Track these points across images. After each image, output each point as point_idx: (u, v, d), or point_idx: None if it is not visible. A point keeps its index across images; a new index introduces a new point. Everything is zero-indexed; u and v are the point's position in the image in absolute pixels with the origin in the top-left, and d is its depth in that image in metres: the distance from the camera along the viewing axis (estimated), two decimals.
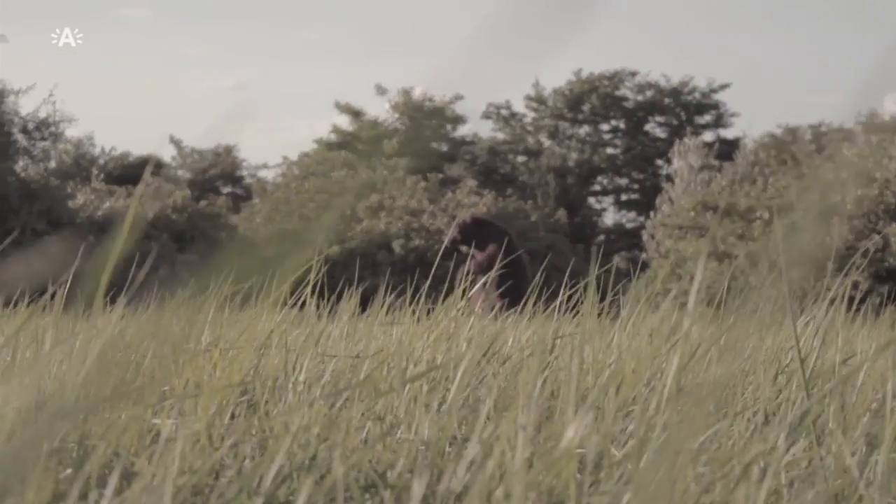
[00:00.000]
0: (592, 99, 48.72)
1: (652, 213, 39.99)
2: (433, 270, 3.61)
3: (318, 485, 1.50)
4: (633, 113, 49.46)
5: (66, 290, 2.59)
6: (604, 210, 49.56)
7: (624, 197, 49.61)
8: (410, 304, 3.35)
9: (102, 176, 40.21)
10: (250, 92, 67.69)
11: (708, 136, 48.97)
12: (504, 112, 49.20)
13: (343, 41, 66.81)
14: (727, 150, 45.02)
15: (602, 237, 47.44)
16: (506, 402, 1.97)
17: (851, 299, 3.33)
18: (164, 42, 69.23)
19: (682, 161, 41.72)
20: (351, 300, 3.48)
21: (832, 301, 2.64)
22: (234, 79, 72.01)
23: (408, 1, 65.54)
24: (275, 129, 70.51)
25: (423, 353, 2.76)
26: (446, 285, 3.56)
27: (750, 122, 73.42)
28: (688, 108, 49.58)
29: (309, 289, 2.77)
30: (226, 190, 48.52)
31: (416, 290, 3.53)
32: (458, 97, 45.72)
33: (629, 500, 1.35)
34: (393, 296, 3.59)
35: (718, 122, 49.74)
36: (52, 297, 2.55)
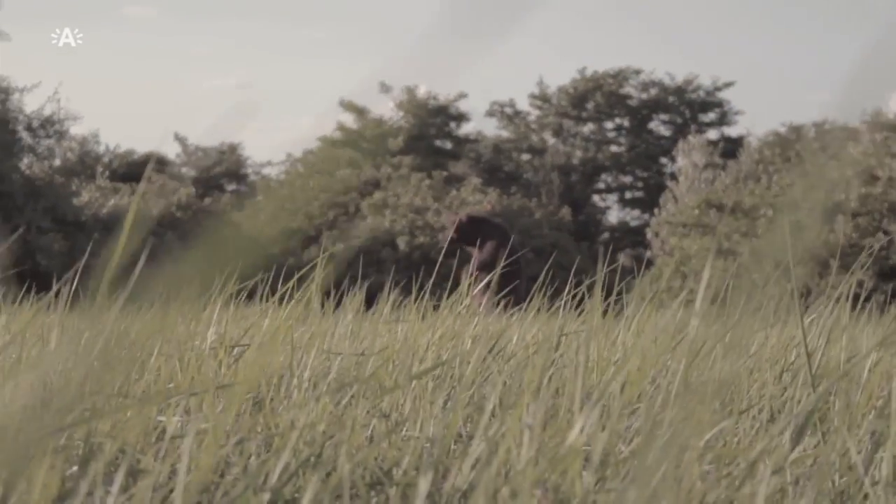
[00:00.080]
0: (597, 97, 48.70)
1: (656, 211, 39.99)
2: (437, 268, 3.61)
3: (323, 482, 1.50)
4: (638, 111, 49.43)
5: (72, 288, 2.59)
6: (608, 208, 49.55)
7: (628, 195, 49.59)
8: (415, 301, 3.35)
9: (107, 173, 40.24)
10: (255, 90, 67.72)
11: (712, 134, 48.99)
12: (508, 110, 49.20)
13: (348, 40, 66.81)
14: (731, 148, 45.02)
15: (606, 235, 47.43)
16: (511, 400, 1.97)
17: (856, 297, 3.33)
18: (169, 40, 69.29)
19: (687, 159, 41.72)
20: (356, 297, 3.48)
21: (837, 299, 2.64)
22: (238, 77, 72.05)
23: (411, 1, 65.54)
24: (279, 127, 70.53)
25: (428, 350, 2.76)
26: (450, 283, 3.56)
27: (754, 120, 73.35)
28: (692, 107, 49.56)
29: (314, 286, 2.77)
30: (230, 188, 48.53)
31: (421, 287, 3.53)
32: (462, 95, 45.73)
33: (635, 497, 1.35)
34: (397, 292, 3.60)
35: (722, 121, 49.72)
36: (57, 294, 2.55)
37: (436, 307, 3.26)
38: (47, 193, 31.54)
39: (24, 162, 32.77)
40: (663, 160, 49.09)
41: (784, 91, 66.20)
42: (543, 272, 3.49)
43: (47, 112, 32.88)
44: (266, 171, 49.20)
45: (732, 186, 34.48)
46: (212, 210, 36.22)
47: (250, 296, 3.29)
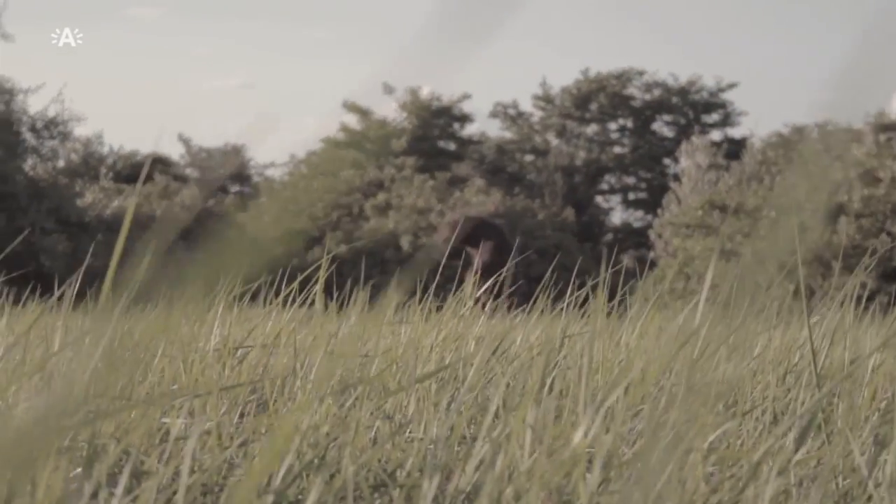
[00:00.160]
0: (600, 98, 48.69)
1: (659, 212, 39.98)
2: (440, 269, 3.61)
3: (327, 484, 1.50)
4: (641, 112, 49.42)
5: (75, 289, 2.59)
6: (611, 209, 49.53)
7: (631, 196, 49.57)
8: (419, 302, 3.35)
9: (111, 174, 40.27)
10: (257, 90, 67.74)
11: (715, 135, 48.95)
12: (511, 111, 49.20)
13: (350, 40, 66.82)
14: (735, 149, 45.00)
15: (610, 236, 47.42)
16: (514, 401, 1.98)
17: (859, 298, 3.32)
18: (172, 41, 69.31)
19: (690, 160, 41.70)
20: (359, 298, 3.48)
21: (841, 301, 2.63)
22: (242, 77, 72.07)
23: (412, 1, 65.55)
24: (281, 127, 70.48)
25: (432, 352, 2.76)
26: (455, 284, 3.56)
27: (757, 122, 73.35)
28: (695, 108, 49.54)
29: (318, 287, 2.77)
30: (234, 189, 48.55)
31: (425, 288, 3.53)
32: (466, 96, 45.74)
33: (639, 499, 1.35)
34: (401, 293, 3.60)
35: (726, 122, 49.70)
36: (61, 296, 2.55)
37: (439, 308, 3.26)
38: (51, 194, 31.56)
39: (28, 163, 32.79)
40: (667, 161, 49.08)
41: (787, 92, 66.17)
42: (549, 273, 3.49)
43: (51, 113, 32.90)
44: (269, 172, 49.25)
45: (736, 187, 34.47)
46: (215, 211, 36.23)
47: (254, 297, 3.29)
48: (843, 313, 2.66)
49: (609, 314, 3.12)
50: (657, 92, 49.56)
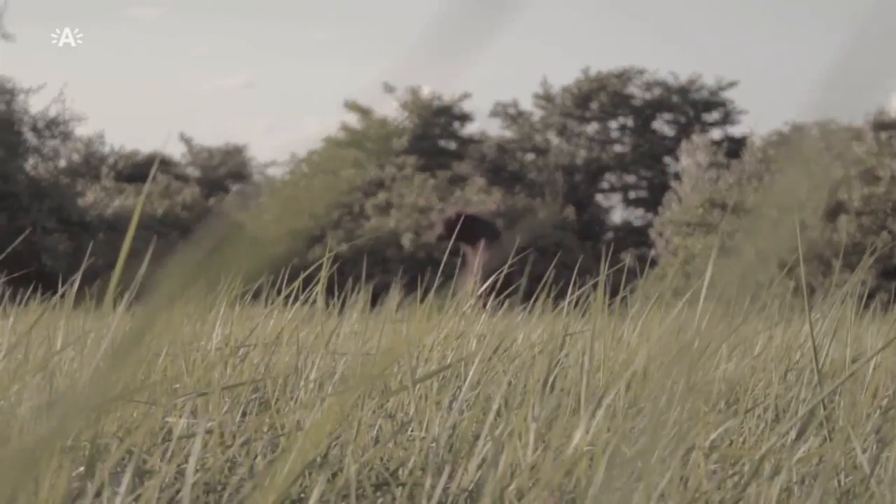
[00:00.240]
0: (601, 97, 48.68)
1: (660, 211, 39.98)
2: (442, 267, 3.61)
3: (330, 483, 1.50)
4: (641, 111, 49.41)
5: (77, 288, 2.60)
6: (612, 207, 49.52)
7: (632, 194, 49.57)
8: (420, 301, 3.35)
9: (112, 174, 40.28)
10: (259, 90, 67.73)
11: (716, 133, 48.95)
12: (512, 110, 49.19)
13: (351, 40, 66.82)
14: (735, 147, 44.98)
15: (610, 234, 47.41)
16: (516, 400, 1.98)
17: (860, 296, 3.33)
18: (173, 41, 69.33)
19: (690, 159, 41.69)
20: (361, 297, 3.48)
21: (843, 299, 2.64)
22: (243, 77, 72.07)
23: (414, 0, 65.54)
24: (283, 127, 70.51)
25: (434, 350, 2.76)
26: (454, 282, 3.56)
27: (757, 120, 73.28)
28: (696, 106, 49.53)
29: (320, 286, 2.78)
30: (235, 188, 48.55)
31: (427, 287, 3.53)
32: (466, 95, 45.75)
33: (640, 497, 1.35)
34: (403, 291, 3.60)
35: (726, 120, 49.69)
36: (63, 295, 2.55)
37: (441, 307, 3.26)
38: (52, 194, 31.57)
39: (30, 163, 32.79)
40: (667, 160, 49.07)
41: (787, 90, 66.16)
42: (548, 272, 3.49)
43: (52, 113, 32.90)
44: (270, 171, 49.27)
45: (736, 186, 34.46)
46: (216, 210, 36.24)
47: (256, 296, 3.29)
48: (844, 311, 2.66)
49: (610, 312, 3.12)
50: (657, 91, 49.55)
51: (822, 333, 2.58)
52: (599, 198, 49.36)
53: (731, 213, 30.88)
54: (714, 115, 49.68)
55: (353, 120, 43.56)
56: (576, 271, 3.37)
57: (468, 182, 40.23)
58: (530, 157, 48.41)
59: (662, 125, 50.01)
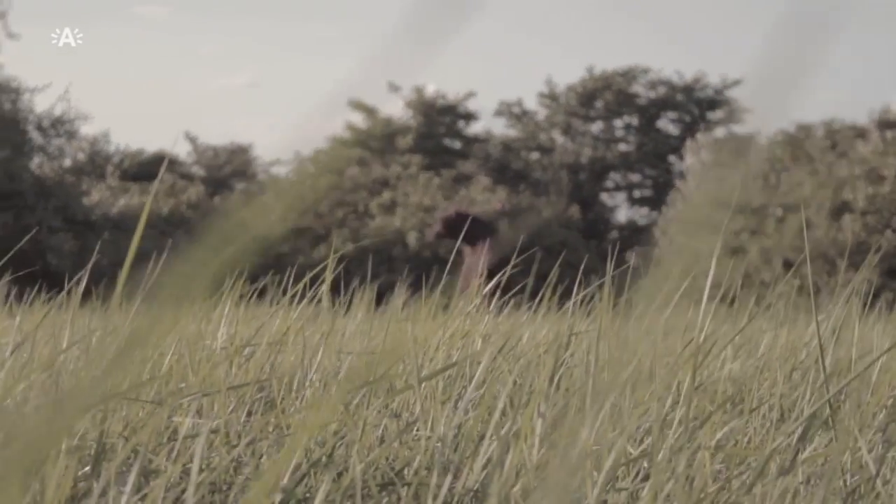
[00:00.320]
0: (605, 95, 48.65)
1: (665, 209, 39.95)
2: (448, 266, 3.61)
3: (335, 482, 1.51)
4: (646, 109, 49.39)
5: (83, 287, 2.60)
6: (617, 206, 49.50)
7: (637, 193, 49.54)
8: (425, 300, 3.35)
9: (118, 173, 40.30)
10: (265, 89, 67.76)
11: (721, 132, 48.93)
12: (516, 109, 49.18)
13: (357, 38, 66.80)
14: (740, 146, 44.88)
15: (615, 233, 47.40)
16: (522, 399, 1.98)
17: (865, 295, 3.32)
18: (178, 40, 69.34)
19: (695, 157, 41.67)
20: (365, 296, 3.48)
21: (847, 298, 2.63)
22: (247, 76, 72.09)
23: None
24: (288, 125, 70.44)
25: (439, 350, 2.76)
26: (459, 282, 3.56)
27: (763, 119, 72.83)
28: (700, 105, 49.51)
29: (325, 286, 2.78)
30: (240, 186, 48.56)
31: (432, 286, 3.53)
32: (471, 94, 45.74)
33: (646, 497, 1.35)
34: (408, 290, 3.60)
35: (731, 119, 49.66)
36: (69, 293, 2.56)
37: (446, 307, 3.26)
38: (58, 193, 31.59)
39: (35, 162, 32.82)
40: (672, 158, 49.04)
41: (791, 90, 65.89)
42: (554, 271, 3.49)
43: (57, 112, 32.93)
44: (275, 169, 49.27)
45: (741, 185, 34.39)
46: (221, 209, 36.26)
47: (261, 295, 3.30)
48: (849, 310, 2.66)
49: (616, 311, 3.11)
50: (662, 89, 49.52)
51: (827, 333, 2.58)
52: (604, 197, 49.34)
53: (736, 213, 30.86)
54: (719, 114, 49.64)
55: (358, 119, 43.59)
56: (581, 270, 3.36)
57: (473, 181, 40.24)
58: (535, 156, 48.39)
59: (667, 124, 49.98)
